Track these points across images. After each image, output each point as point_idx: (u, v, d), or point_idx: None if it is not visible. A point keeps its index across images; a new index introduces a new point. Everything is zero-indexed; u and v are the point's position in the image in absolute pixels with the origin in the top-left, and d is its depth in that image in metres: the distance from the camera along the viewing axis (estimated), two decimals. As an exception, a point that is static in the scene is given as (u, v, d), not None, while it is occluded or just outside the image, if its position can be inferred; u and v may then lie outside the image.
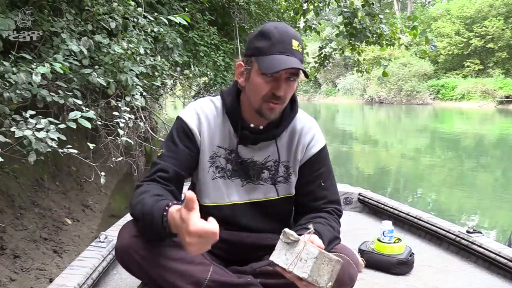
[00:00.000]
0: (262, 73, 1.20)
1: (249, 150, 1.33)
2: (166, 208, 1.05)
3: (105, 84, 2.72)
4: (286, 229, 1.09)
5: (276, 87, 1.20)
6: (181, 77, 5.19)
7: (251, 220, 1.37)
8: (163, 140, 1.38)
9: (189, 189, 1.50)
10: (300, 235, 1.09)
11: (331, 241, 1.25)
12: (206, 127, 1.31)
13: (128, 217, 1.35)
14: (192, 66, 5.14)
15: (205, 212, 1.35)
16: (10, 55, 2.21)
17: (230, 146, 1.32)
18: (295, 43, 1.20)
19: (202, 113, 1.32)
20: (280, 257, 1.07)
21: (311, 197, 1.36)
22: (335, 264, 1.05)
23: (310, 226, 1.12)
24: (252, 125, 1.30)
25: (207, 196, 1.34)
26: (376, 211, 2.67)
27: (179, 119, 1.32)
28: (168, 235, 1.08)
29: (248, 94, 1.27)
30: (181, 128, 1.30)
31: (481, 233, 2.06)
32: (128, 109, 3.03)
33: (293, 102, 1.35)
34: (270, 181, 1.35)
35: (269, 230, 1.38)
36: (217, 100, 1.36)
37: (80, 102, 2.46)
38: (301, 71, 1.20)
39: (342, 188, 2.89)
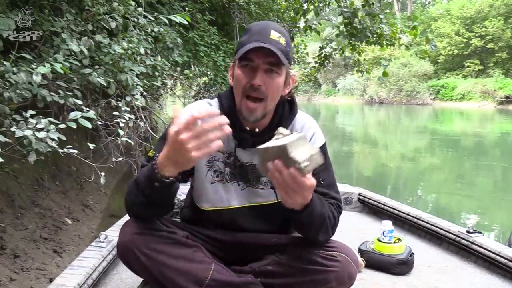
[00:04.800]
0: (240, 64, 1.20)
1: (247, 153, 1.31)
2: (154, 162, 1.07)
3: (105, 84, 2.72)
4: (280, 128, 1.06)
5: (253, 76, 1.18)
6: (181, 77, 5.19)
7: (251, 223, 1.36)
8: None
9: (188, 193, 1.49)
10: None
11: (321, 213, 1.20)
12: None
13: (128, 216, 1.35)
14: (192, 66, 5.13)
15: (205, 216, 1.35)
16: (10, 55, 2.20)
17: (228, 149, 1.30)
18: (274, 34, 1.19)
19: None
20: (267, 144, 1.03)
21: None
22: (316, 151, 1.01)
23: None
24: (247, 128, 1.27)
25: (206, 200, 1.33)
26: (376, 211, 2.67)
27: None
28: (159, 180, 1.06)
29: (234, 93, 1.25)
30: None
31: (481, 233, 2.06)
32: (128, 109, 3.02)
33: (292, 103, 1.33)
34: (270, 184, 1.33)
35: (269, 233, 1.38)
36: (214, 102, 1.34)
37: (80, 102, 2.45)
38: (282, 62, 1.16)
39: (342, 188, 2.89)
